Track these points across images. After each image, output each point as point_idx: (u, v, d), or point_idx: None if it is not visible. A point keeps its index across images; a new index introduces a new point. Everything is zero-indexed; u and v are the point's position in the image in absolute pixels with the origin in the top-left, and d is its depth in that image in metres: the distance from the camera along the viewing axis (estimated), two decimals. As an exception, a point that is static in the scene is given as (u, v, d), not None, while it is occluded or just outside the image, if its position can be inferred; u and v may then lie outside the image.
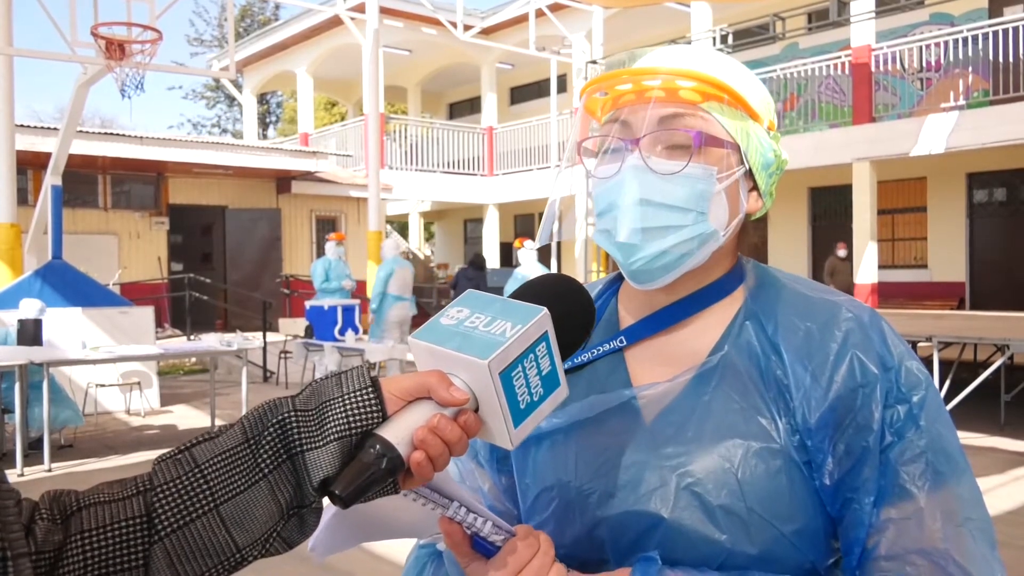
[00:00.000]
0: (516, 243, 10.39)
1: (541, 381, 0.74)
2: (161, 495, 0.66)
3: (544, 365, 0.74)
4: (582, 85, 0.95)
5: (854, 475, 0.84)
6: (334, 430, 0.67)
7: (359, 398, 0.69)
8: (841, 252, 12.66)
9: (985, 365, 7.88)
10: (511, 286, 9.81)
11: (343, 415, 0.68)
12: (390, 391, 0.70)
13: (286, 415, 0.68)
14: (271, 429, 0.68)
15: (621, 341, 0.96)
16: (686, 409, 0.89)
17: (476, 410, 0.72)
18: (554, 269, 14.74)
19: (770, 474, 0.84)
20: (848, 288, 12.55)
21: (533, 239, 10.75)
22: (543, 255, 15.50)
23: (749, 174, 0.93)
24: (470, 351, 0.70)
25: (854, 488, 0.84)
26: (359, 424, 0.68)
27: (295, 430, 0.68)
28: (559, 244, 15.43)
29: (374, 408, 0.69)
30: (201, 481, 0.66)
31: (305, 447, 0.68)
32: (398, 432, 0.68)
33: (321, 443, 0.67)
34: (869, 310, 0.91)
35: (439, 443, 0.69)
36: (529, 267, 10.05)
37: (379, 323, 10.11)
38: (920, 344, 7.32)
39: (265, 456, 0.67)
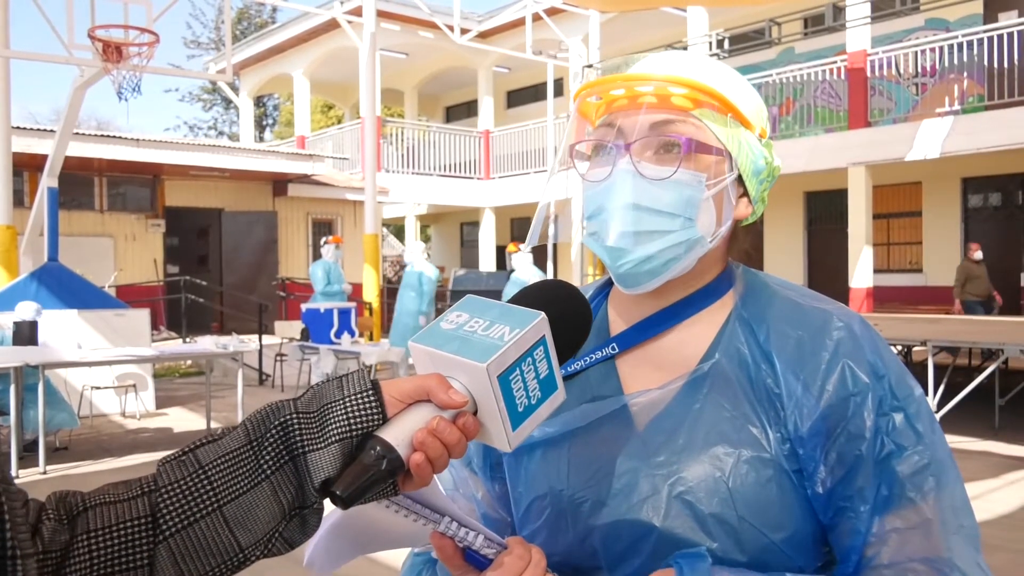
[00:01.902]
0: (510, 247, 10.40)
1: (539, 385, 0.75)
2: (166, 496, 0.67)
3: (542, 369, 0.75)
4: (577, 89, 0.96)
5: (847, 483, 0.85)
6: (335, 432, 0.68)
7: (360, 401, 0.70)
8: (976, 255, 11.80)
9: (980, 369, 7.90)
10: (510, 290, 9.88)
11: (344, 417, 0.69)
12: (390, 394, 0.72)
13: (288, 417, 0.70)
14: (273, 431, 0.69)
15: (613, 348, 0.97)
16: (677, 417, 0.90)
17: (475, 413, 0.74)
18: (550, 272, 14.75)
19: (760, 483, 0.85)
20: (988, 294, 11.85)
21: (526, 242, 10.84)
22: (539, 258, 15.51)
23: (739, 180, 0.93)
24: (469, 354, 0.71)
25: (847, 496, 0.85)
26: (360, 426, 0.69)
27: (297, 432, 0.69)
28: (555, 247, 15.44)
29: (374, 410, 0.70)
30: (205, 482, 0.67)
31: (307, 449, 0.69)
32: (398, 434, 0.70)
33: (322, 445, 0.68)
34: (859, 318, 0.92)
35: (438, 445, 0.70)
36: (525, 271, 10.07)
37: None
38: (915, 348, 7.34)
39: (267, 457, 0.68)
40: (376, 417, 0.70)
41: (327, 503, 0.70)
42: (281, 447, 0.69)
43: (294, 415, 0.70)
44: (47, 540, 0.64)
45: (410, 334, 10.28)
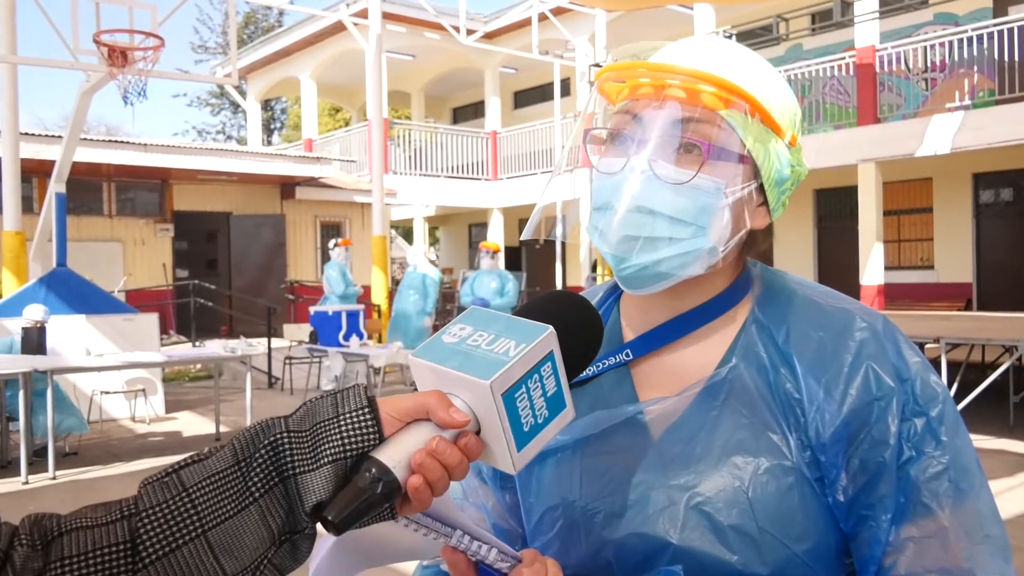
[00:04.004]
0: (486, 244, 10.27)
1: (546, 403, 0.71)
2: (146, 520, 0.63)
3: (549, 386, 0.71)
4: (587, 85, 0.90)
5: (869, 491, 0.81)
6: (328, 452, 0.64)
7: (355, 419, 0.66)
8: None
9: (993, 366, 7.83)
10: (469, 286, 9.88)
11: (338, 437, 0.65)
12: (387, 412, 0.68)
13: (278, 436, 0.66)
14: (262, 451, 0.65)
15: (627, 354, 0.92)
16: (694, 425, 0.86)
17: (478, 432, 0.70)
18: (558, 273, 14.72)
19: (782, 492, 0.81)
20: None
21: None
22: (546, 260, 15.47)
23: (760, 188, 0.88)
24: (471, 371, 0.67)
25: (870, 505, 0.81)
26: (354, 446, 0.65)
27: (287, 452, 0.65)
28: (563, 247, 15.41)
29: (370, 429, 0.66)
30: (188, 505, 0.63)
31: (298, 470, 0.65)
32: (395, 455, 0.65)
33: (314, 466, 0.64)
34: (883, 319, 0.88)
35: (438, 467, 0.66)
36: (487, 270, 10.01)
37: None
38: (928, 345, 7.28)
39: (256, 479, 0.64)
40: (372, 437, 0.66)
41: (320, 527, 0.66)
42: (271, 468, 0.65)
43: (285, 434, 0.66)
44: (19, 568, 0.60)
45: (417, 336, 10.25)
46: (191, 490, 0.64)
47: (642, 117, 0.85)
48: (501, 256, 10.17)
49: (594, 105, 0.92)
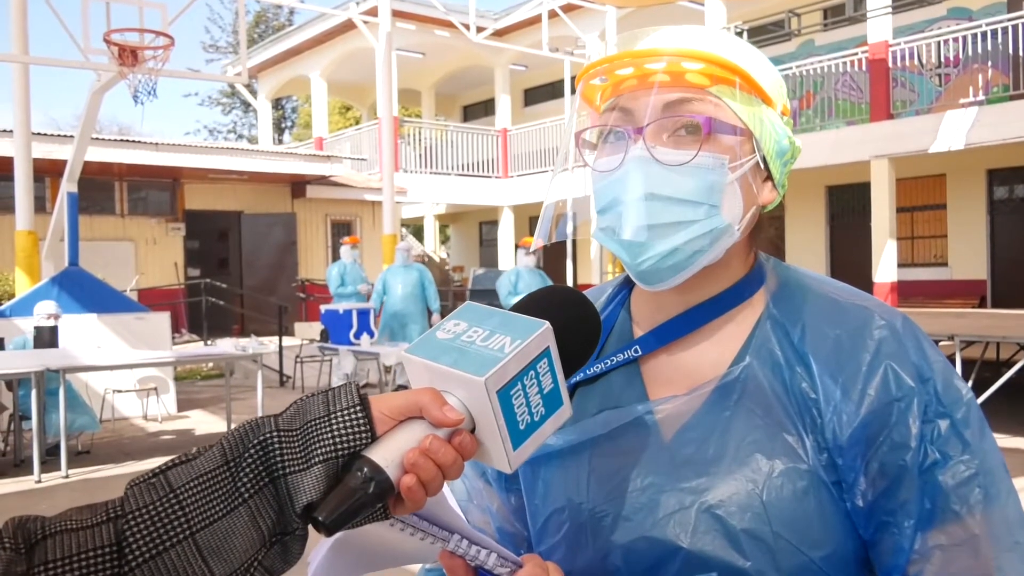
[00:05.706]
0: (525, 240, 10.35)
1: (542, 400, 0.69)
2: (133, 522, 0.61)
3: (546, 383, 0.69)
4: (581, 71, 0.88)
5: (890, 496, 0.78)
6: (319, 452, 0.63)
7: (346, 417, 0.64)
8: None
9: (1008, 364, 7.75)
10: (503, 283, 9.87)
11: (329, 436, 0.63)
12: (380, 410, 0.66)
13: (268, 435, 0.64)
14: (252, 450, 0.63)
15: (636, 351, 0.89)
16: (706, 426, 0.83)
17: (472, 430, 0.68)
18: (569, 271, 14.69)
19: (797, 495, 0.78)
20: None
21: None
22: (557, 257, 15.45)
23: (762, 163, 0.86)
24: (465, 367, 0.65)
25: (891, 511, 0.78)
26: (346, 445, 0.63)
27: (277, 452, 0.63)
28: (575, 244, 15.38)
29: (362, 428, 0.64)
30: (176, 507, 0.61)
31: (288, 470, 0.63)
32: (388, 454, 0.64)
33: (305, 466, 0.63)
34: (902, 316, 0.85)
35: (432, 466, 0.64)
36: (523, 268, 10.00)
37: None
38: (942, 343, 7.21)
39: (245, 480, 0.62)
40: (364, 435, 0.64)
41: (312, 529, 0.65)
42: (260, 468, 0.63)
43: (275, 433, 0.64)
44: (2, 572, 0.59)
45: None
46: (178, 491, 0.62)
47: (631, 108, 0.84)
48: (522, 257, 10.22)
49: (579, 110, 0.91)
